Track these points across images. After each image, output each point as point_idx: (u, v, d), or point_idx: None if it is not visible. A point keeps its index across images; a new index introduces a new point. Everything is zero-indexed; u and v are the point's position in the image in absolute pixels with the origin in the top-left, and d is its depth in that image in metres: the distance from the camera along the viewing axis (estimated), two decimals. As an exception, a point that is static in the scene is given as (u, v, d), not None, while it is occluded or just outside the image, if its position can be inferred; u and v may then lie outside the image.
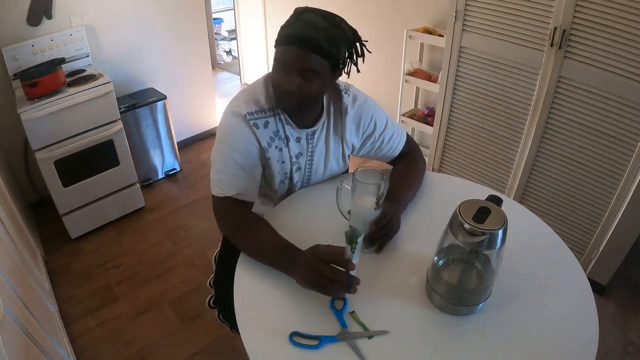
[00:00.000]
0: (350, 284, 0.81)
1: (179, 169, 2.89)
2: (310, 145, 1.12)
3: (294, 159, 1.11)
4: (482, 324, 0.83)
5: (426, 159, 2.70)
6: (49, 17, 2.23)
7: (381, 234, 0.97)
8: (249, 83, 3.71)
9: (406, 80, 2.59)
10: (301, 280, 0.85)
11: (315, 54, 0.90)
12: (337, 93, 1.11)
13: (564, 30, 1.60)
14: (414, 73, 2.57)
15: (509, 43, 1.81)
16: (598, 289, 1.86)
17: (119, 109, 2.26)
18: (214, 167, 1.03)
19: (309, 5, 0.96)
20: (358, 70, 1.00)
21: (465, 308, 0.84)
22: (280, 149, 1.08)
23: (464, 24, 1.94)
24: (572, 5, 1.54)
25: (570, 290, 0.90)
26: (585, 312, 0.84)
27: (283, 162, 1.11)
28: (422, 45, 2.61)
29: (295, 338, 0.80)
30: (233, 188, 1.01)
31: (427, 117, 2.62)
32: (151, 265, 2.13)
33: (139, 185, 2.47)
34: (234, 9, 3.90)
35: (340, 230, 1.03)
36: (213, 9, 4.98)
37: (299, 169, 1.15)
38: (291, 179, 1.16)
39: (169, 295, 1.96)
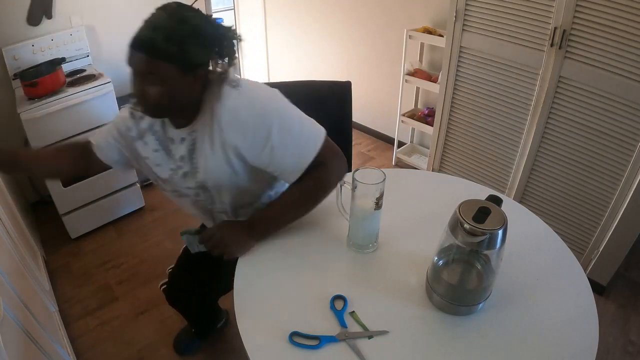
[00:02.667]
0: None
1: (179, 169, 2.88)
2: (190, 146, 1.00)
3: (178, 162, 1.03)
4: (482, 324, 0.83)
5: (426, 159, 2.70)
6: (49, 16, 2.23)
7: (209, 247, 1.03)
8: (249, 83, 3.66)
9: (406, 80, 2.59)
10: None
11: (153, 57, 0.83)
12: (217, 91, 0.93)
13: (564, 30, 1.60)
14: (414, 73, 2.57)
15: (509, 43, 1.81)
16: (598, 289, 1.86)
17: (119, 109, 2.26)
18: None
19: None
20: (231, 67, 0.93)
21: (465, 308, 0.84)
22: (156, 150, 1.05)
23: (464, 24, 1.94)
24: (572, 5, 1.54)
25: (570, 290, 0.90)
26: (585, 312, 0.84)
27: (158, 165, 1.05)
28: (422, 45, 2.61)
29: (295, 338, 0.80)
30: (97, 137, 1.11)
31: (427, 117, 2.62)
32: (151, 265, 2.13)
33: (139, 185, 2.47)
34: (234, 9, 3.90)
35: (340, 230, 1.04)
36: (213, 9, 4.97)
37: (186, 174, 1.04)
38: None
39: (169, 295, 1.96)
